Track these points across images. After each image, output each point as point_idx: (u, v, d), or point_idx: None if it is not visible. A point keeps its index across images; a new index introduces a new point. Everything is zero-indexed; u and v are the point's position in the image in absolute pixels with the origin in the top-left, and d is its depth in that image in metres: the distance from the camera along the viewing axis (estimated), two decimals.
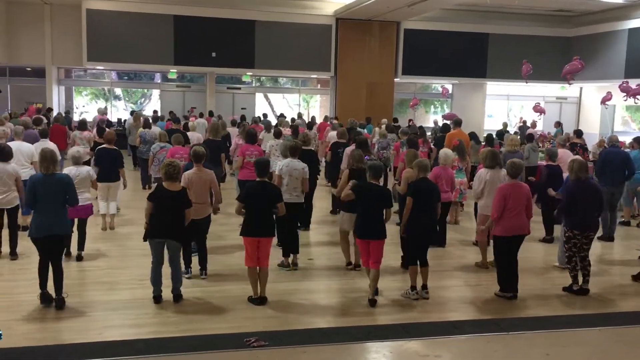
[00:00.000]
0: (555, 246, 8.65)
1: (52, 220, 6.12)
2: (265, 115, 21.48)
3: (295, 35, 22.71)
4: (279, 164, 8.12)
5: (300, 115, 21.85)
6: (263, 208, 6.38)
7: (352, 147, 9.77)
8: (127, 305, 6.29)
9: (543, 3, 22.41)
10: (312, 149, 9.70)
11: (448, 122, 18.22)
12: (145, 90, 26.18)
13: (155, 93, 25.53)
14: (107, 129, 11.62)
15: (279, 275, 7.39)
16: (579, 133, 13.96)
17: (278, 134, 11.39)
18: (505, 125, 20.72)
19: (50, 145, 9.97)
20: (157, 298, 6.26)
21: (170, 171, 6.27)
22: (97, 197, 9.49)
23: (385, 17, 22.61)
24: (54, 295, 6.09)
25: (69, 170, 7.84)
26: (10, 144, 8.85)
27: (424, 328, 5.61)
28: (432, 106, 28.47)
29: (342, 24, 23.19)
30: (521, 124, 22.64)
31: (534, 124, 20.98)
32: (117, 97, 25.55)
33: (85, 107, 24.86)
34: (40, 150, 6.63)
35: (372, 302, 6.28)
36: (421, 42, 23.87)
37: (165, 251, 6.34)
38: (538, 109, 21.74)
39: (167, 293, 6.35)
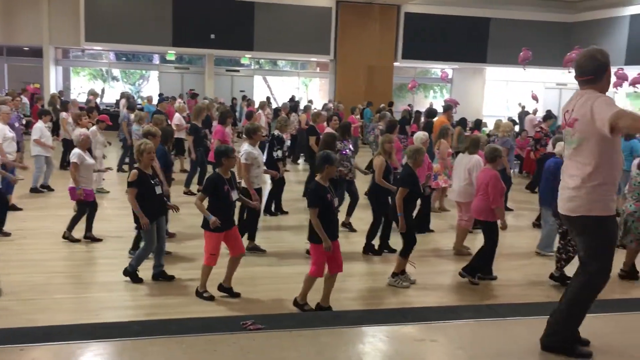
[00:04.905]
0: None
1: None
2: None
3: (294, 17, 22.58)
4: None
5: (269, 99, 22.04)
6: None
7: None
8: (122, 286, 6.32)
9: None
10: (275, 133, 9.64)
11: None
12: (144, 72, 26.06)
13: (154, 75, 25.43)
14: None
15: (274, 260, 7.42)
16: (546, 116, 14.18)
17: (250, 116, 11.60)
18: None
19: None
20: None
21: None
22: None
23: (386, 0, 22.48)
24: None
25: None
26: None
27: (420, 313, 5.62)
28: (432, 91, 28.38)
29: (343, 6, 23.04)
30: (520, 110, 22.57)
31: (535, 111, 20.90)
32: (115, 78, 25.41)
33: (83, 88, 24.74)
34: None
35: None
36: (421, 26, 23.76)
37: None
38: (532, 97, 21.68)
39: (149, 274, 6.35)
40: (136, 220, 6.39)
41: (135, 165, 6.42)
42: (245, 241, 7.28)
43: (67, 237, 7.86)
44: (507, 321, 5.16)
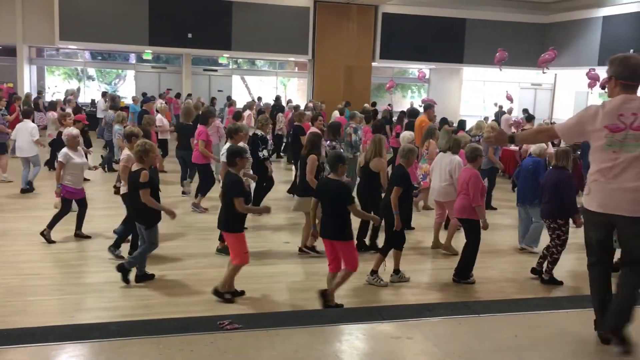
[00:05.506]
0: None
1: None
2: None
3: (272, 17, 22.54)
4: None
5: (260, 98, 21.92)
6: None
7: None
8: (98, 288, 6.27)
9: None
10: (258, 133, 9.58)
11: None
12: (120, 71, 25.79)
13: (130, 74, 25.17)
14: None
15: (252, 259, 7.42)
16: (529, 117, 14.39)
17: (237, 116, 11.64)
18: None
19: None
20: None
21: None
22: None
23: (363, 1, 22.58)
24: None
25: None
26: None
27: (397, 310, 5.69)
28: (410, 91, 28.55)
29: (320, 6, 23.06)
30: (497, 110, 22.84)
31: (510, 111, 21.21)
32: (90, 78, 25.11)
33: (58, 87, 24.40)
34: None
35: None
36: (399, 26, 23.88)
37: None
38: (507, 97, 22.04)
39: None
40: (139, 219, 6.33)
41: (141, 166, 6.30)
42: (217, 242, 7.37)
43: (45, 234, 7.75)
44: (482, 318, 5.25)
